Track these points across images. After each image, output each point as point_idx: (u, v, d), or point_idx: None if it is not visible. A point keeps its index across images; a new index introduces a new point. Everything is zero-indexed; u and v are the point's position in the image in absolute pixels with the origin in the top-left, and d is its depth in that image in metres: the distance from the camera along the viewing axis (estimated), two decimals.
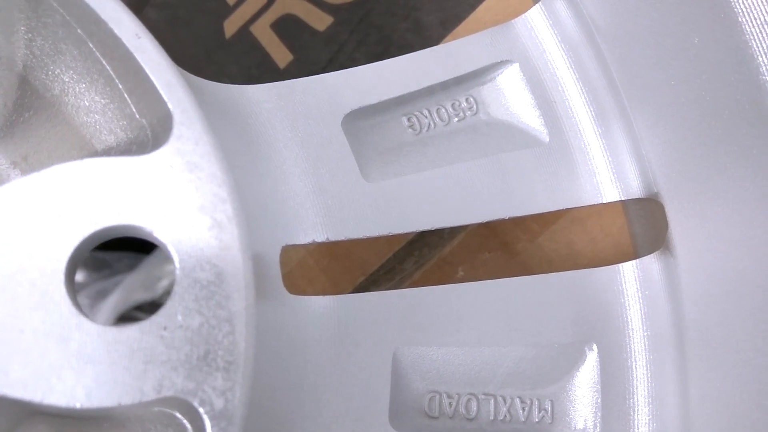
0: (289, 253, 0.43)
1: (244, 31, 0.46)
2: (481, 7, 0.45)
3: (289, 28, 0.46)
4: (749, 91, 0.25)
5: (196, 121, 0.22)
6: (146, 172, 0.21)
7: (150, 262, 0.54)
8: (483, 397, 0.30)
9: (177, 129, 0.21)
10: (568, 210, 0.36)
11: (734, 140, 0.26)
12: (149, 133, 0.23)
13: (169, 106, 0.21)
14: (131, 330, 0.20)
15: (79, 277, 0.54)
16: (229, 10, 0.47)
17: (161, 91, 0.21)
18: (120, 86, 0.24)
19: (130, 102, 0.24)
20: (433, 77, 0.33)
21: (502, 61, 0.34)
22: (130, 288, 0.53)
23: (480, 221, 0.33)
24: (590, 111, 0.34)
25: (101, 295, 0.53)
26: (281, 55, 0.46)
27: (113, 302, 0.52)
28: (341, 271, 0.44)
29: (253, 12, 0.47)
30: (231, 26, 0.47)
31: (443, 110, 0.34)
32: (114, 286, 0.54)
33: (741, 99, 0.26)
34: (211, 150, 0.22)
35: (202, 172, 0.22)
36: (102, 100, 0.24)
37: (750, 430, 0.26)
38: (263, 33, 0.46)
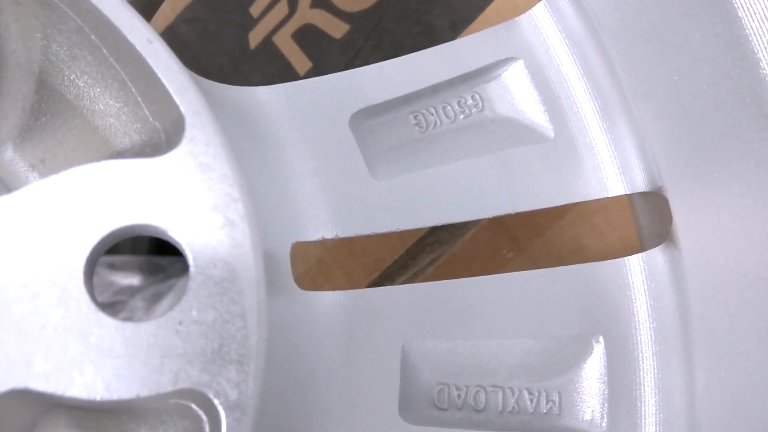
0: (308, 251, 0.44)
1: (268, 41, 0.48)
2: (489, 9, 0.46)
3: (308, 37, 0.48)
4: (750, 85, 0.25)
5: (207, 123, 0.22)
6: (160, 173, 0.22)
7: None
8: (491, 389, 0.31)
9: (189, 131, 0.22)
10: (575, 205, 0.36)
11: (736, 134, 0.27)
12: (162, 136, 0.24)
13: (181, 109, 0.22)
14: (148, 325, 0.21)
15: (135, 281, 0.56)
16: (254, 22, 0.49)
17: (173, 95, 0.22)
18: (133, 90, 0.24)
19: (143, 105, 0.24)
20: (439, 75, 0.34)
21: (507, 59, 0.34)
22: (183, 290, 0.54)
23: (487, 216, 0.33)
24: (595, 106, 0.34)
25: (156, 297, 0.55)
26: (301, 63, 0.48)
27: (167, 304, 0.53)
28: (357, 268, 0.46)
29: (276, 23, 0.49)
30: (255, 37, 0.49)
31: (449, 108, 0.34)
32: (168, 289, 0.55)
33: (742, 93, 0.26)
34: (223, 151, 0.22)
35: (214, 172, 0.22)
36: (116, 104, 0.25)
37: (755, 419, 0.27)
38: (285, 43, 0.48)
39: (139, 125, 0.25)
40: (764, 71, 0.25)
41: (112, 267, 0.56)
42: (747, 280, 0.27)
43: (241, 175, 0.23)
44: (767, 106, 0.25)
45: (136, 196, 0.21)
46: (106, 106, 0.25)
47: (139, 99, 0.24)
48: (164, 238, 0.22)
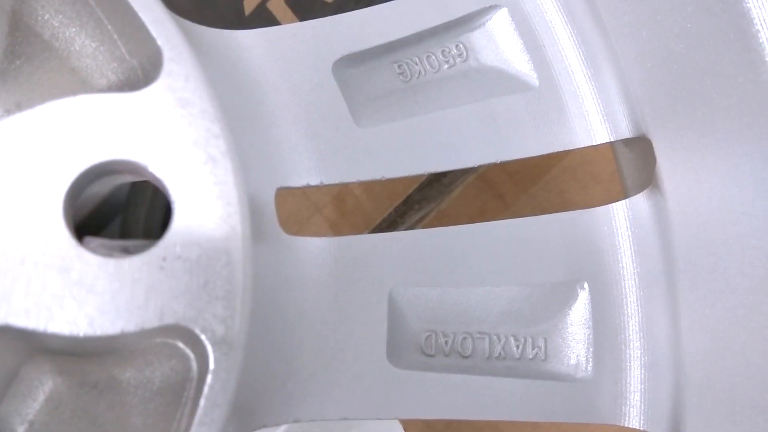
0: (300, 212, 0.44)
1: (262, 7, 0.49)
2: None
3: (301, 1, 0.48)
4: (733, 19, 0.25)
5: (186, 57, 0.22)
6: (138, 108, 0.21)
7: None
8: (478, 335, 0.31)
9: (167, 65, 0.22)
10: (560, 159, 0.36)
11: (719, 71, 0.27)
12: (140, 73, 0.24)
13: (158, 42, 0.22)
14: (131, 261, 0.20)
15: None
16: None
17: (149, 28, 0.22)
18: (109, 27, 0.24)
19: (120, 43, 0.24)
20: (423, 23, 0.33)
21: (491, 6, 0.34)
22: None
23: (471, 165, 0.33)
24: (579, 53, 0.34)
25: None
26: None
27: None
28: (347, 226, 0.46)
29: None
30: (250, 4, 0.49)
31: (433, 57, 0.34)
32: None
33: (725, 28, 0.26)
34: (202, 87, 0.22)
35: (194, 108, 0.22)
36: (92, 44, 0.25)
37: (738, 353, 0.27)
38: (278, 8, 0.49)
39: (116, 64, 0.24)
40: (748, 4, 0.25)
41: (126, 251, 0.56)
42: (730, 217, 0.27)
43: (221, 112, 0.22)
44: (751, 39, 0.25)
45: (115, 130, 0.21)
46: (82, 47, 0.25)
47: (116, 37, 0.24)
48: (144, 175, 0.22)
